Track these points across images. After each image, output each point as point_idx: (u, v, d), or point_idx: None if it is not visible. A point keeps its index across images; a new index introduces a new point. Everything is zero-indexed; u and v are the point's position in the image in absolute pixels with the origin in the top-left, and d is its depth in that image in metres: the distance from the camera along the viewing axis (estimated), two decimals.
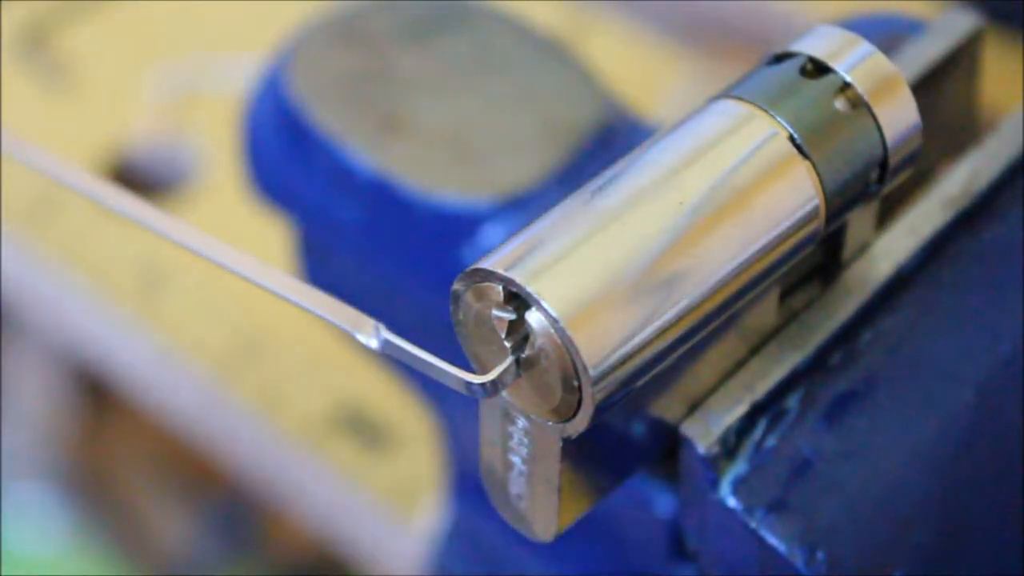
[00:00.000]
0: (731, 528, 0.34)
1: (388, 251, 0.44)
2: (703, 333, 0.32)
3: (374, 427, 0.61)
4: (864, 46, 0.33)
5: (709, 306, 0.31)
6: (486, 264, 0.30)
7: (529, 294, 0.30)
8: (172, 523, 0.82)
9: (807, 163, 0.32)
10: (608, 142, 0.43)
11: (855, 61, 0.33)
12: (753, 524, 0.33)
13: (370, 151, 0.42)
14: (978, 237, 0.37)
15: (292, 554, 0.78)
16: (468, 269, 0.31)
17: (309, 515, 0.62)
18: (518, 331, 0.30)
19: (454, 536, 0.49)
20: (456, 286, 0.31)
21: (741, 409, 0.34)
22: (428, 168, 0.42)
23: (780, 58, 0.34)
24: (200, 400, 0.63)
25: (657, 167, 0.32)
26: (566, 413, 0.31)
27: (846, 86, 0.33)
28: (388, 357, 0.32)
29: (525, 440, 0.33)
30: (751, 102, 0.33)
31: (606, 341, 0.30)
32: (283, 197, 0.45)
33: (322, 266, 0.47)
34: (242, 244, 0.34)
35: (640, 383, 0.31)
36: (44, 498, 0.86)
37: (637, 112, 0.45)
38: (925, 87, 0.38)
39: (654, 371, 0.31)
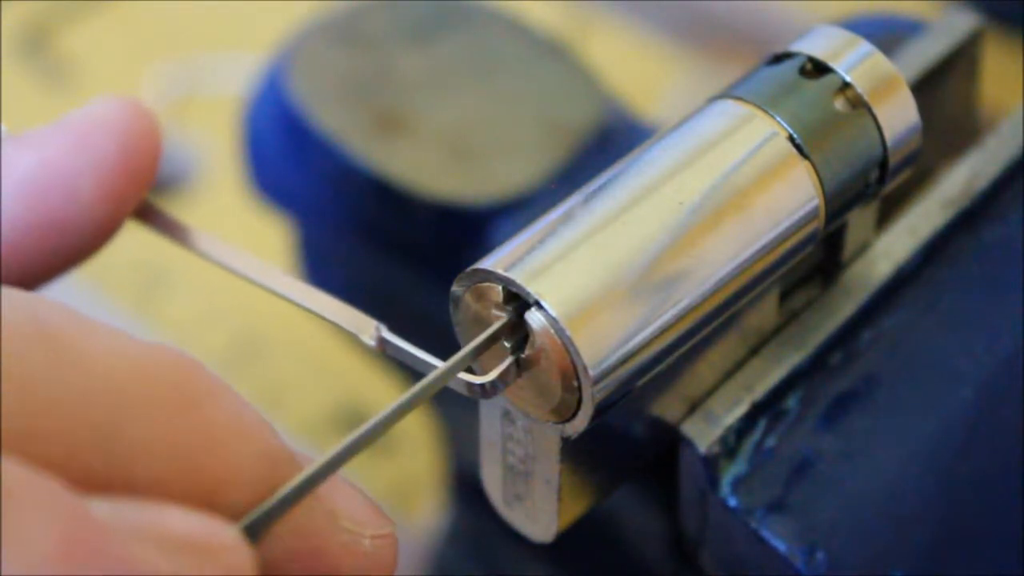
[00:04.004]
0: (731, 528, 0.34)
1: (388, 251, 0.44)
2: (703, 333, 0.32)
3: None
4: (864, 46, 0.33)
5: (709, 306, 0.31)
6: (486, 264, 0.30)
7: (529, 294, 0.30)
8: None
9: (807, 163, 0.32)
10: (608, 142, 0.43)
11: (855, 61, 0.33)
12: (753, 524, 0.33)
13: (370, 151, 0.42)
14: (978, 237, 0.37)
15: None
16: (468, 269, 0.31)
17: None
18: (518, 331, 0.30)
19: (454, 536, 0.49)
20: (456, 286, 0.31)
21: (741, 409, 0.34)
22: (428, 168, 0.42)
23: (780, 58, 0.34)
24: None
25: (657, 167, 0.32)
26: (566, 413, 0.31)
27: (846, 86, 0.33)
28: (388, 357, 0.32)
29: (525, 440, 0.33)
30: (751, 102, 0.33)
31: (606, 341, 0.30)
32: (283, 197, 0.45)
33: (322, 266, 0.47)
34: (242, 244, 0.34)
35: (640, 383, 0.31)
36: None
37: (637, 112, 0.45)
38: (925, 87, 0.38)
39: (654, 371, 0.31)
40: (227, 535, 0.26)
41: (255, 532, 0.27)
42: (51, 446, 0.25)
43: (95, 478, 0.26)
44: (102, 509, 0.25)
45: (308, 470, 0.28)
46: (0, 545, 0.23)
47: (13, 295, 0.26)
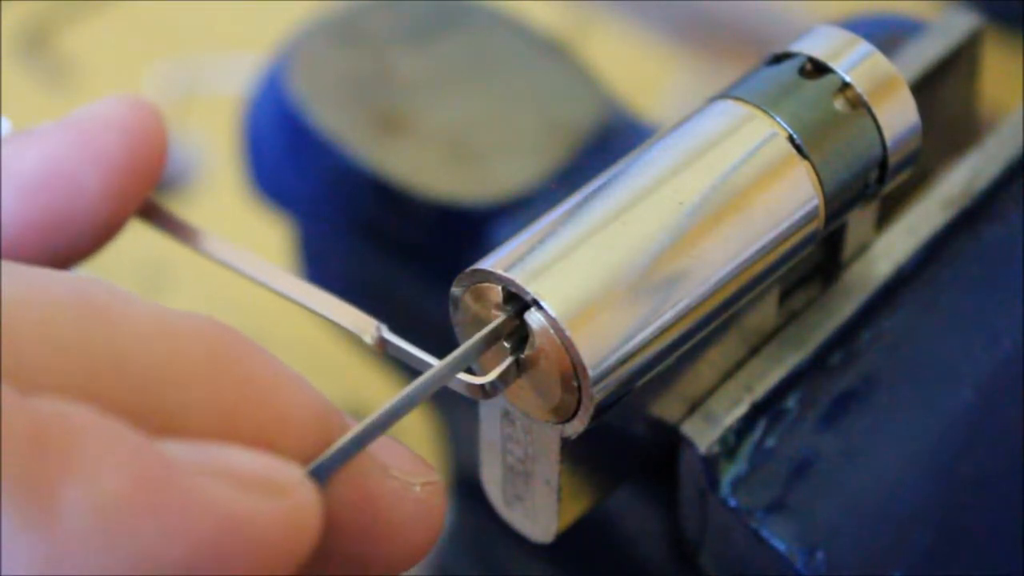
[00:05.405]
0: (731, 528, 0.34)
1: (388, 251, 0.44)
2: (703, 333, 0.32)
3: None
4: (864, 46, 0.33)
5: (709, 306, 0.31)
6: (485, 265, 0.30)
7: (528, 294, 0.30)
8: None
9: (806, 163, 0.32)
10: (608, 142, 0.43)
11: (855, 61, 0.33)
12: (753, 524, 0.33)
13: (370, 151, 0.42)
14: (978, 237, 0.37)
15: None
16: (468, 270, 0.31)
17: None
18: (518, 331, 0.30)
19: (454, 536, 0.49)
20: (455, 287, 0.31)
21: (741, 409, 0.34)
22: (428, 168, 0.42)
23: (780, 58, 0.34)
24: None
25: (657, 167, 0.32)
26: (565, 413, 0.31)
27: (845, 86, 0.33)
28: (388, 356, 0.32)
29: (525, 440, 0.33)
30: (751, 102, 0.33)
31: (606, 341, 0.30)
32: (283, 197, 0.45)
33: (322, 266, 0.47)
34: (242, 244, 0.34)
35: (640, 383, 0.31)
36: None
37: (637, 112, 0.45)
38: (925, 87, 0.38)
39: (654, 371, 0.31)
40: (295, 473, 0.26)
41: (319, 478, 0.27)
42: (108, 405, 0.26)
43: (152, 435, 0.26)
44: (170, 448, 0.25)
45: (368, 420, 0.28)
46: (73, 483, 0.24)
47: (55, 272, 0.27)
